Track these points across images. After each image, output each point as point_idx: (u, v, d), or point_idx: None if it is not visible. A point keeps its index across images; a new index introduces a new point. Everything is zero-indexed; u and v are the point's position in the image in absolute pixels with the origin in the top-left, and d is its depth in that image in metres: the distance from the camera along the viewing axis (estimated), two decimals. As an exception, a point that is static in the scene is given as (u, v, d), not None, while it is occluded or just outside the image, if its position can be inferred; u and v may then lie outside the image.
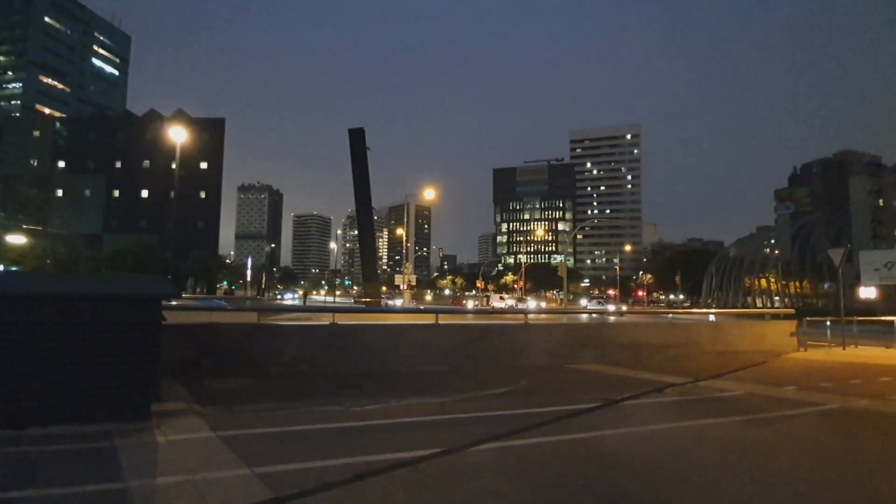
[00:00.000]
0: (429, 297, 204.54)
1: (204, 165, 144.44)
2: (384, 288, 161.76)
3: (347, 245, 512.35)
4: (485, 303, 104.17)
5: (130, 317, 11.84)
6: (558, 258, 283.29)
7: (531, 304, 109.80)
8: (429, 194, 72.09)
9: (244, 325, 18.87)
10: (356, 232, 73.67)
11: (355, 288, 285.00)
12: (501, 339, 21.40)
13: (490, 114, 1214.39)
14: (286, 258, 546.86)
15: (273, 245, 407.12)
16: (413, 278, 75.13)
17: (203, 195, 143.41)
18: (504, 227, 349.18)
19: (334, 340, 19.02)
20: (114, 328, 11.78)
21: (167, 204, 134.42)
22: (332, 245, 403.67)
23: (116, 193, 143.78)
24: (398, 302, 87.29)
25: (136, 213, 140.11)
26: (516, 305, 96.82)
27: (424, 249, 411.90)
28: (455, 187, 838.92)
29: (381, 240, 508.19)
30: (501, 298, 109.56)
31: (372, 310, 31.26)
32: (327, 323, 20.37)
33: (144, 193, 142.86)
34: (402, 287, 73.64)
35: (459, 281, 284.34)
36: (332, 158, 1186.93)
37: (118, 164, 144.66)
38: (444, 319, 21.98)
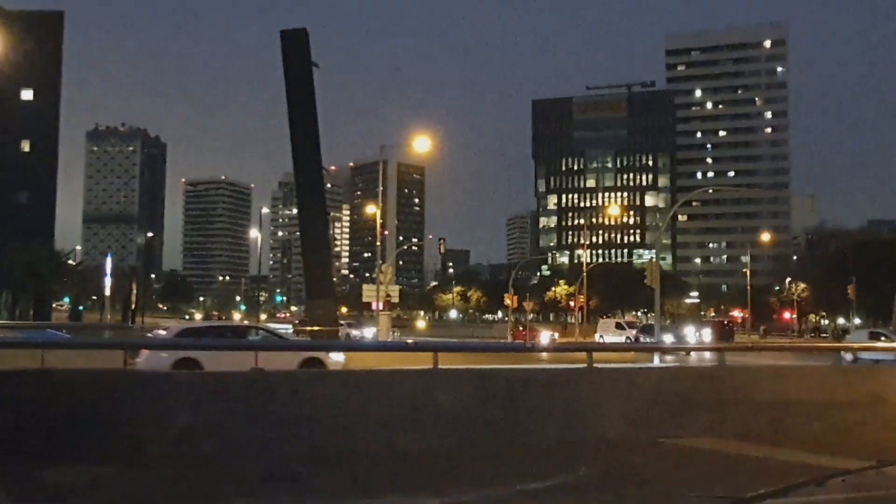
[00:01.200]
0: (421, 324, 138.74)
1: (27, 95, 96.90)
2: (343, 308, 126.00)
3: (281, 234, 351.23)
4: (528, 335, 73.36)
5: None
6: (644, 256, 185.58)
7: (668, 338, 63.19)
8: (420, 145, 51.71)
9: (103, 373, 12.56)
10: (295, 211, 56.38)
11: (293, 308, 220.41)
12: (547, 395, 13.56)
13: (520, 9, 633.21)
14: (173, 257, 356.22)
15: (150, 234, 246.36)
16: (395, 291, 57.21)
17: (26, 147, 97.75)
18: (551, 201, 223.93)
19: (259, 399, 11.74)
20: None
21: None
22: (254, 233, 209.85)
23: None
24: (368, 332, 63.25)
25: None
26: (638, 340, 67.26)
27: (415, 240, 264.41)
28: (468, 137, 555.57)
29: (339, 224, 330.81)
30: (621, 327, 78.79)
31: (324, 346, 24.07)
32: (247, 370, 13.66)
33: None
34: (375, 306, 53.34)
35: (475, 295, 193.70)
36: (254, 91, 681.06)
37: None
38: (447, 361, 13.67)
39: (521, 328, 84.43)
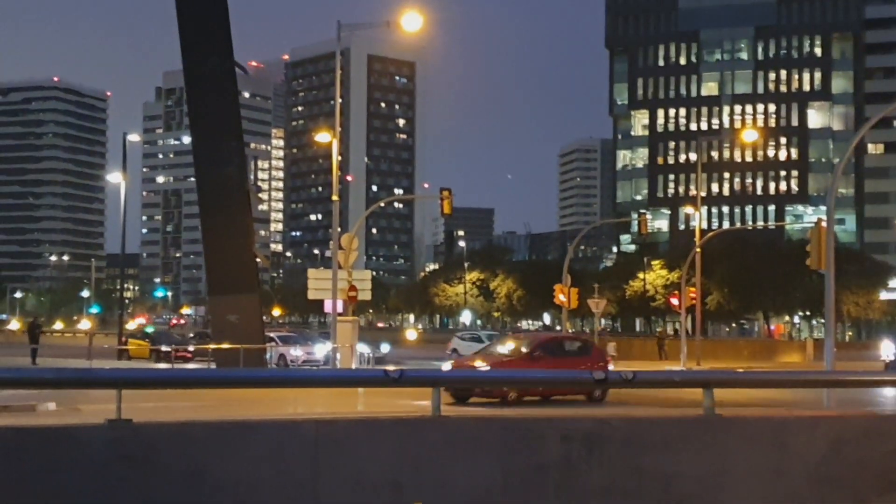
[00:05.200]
0: (412, 335, 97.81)
1: None
2: (275, 311, 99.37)
3: (161, 181, 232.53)
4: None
5: None
6: (807, 216, 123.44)
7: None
8: (409, 22, 32.28)
9: None
10: (187, 140, 37.56)
11: (185, 311, 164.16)
12: (629, 465, 8.56)
13: None
14: None
15: None
16: (365, 279, 38.06)
17: None
18: (639, 122, 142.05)
19: (125, 476, 7.27)
20: None
21: None
22: (114, 178, 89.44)
23: None
24: (319, 350, 43.82)
25: None
26: None
27: (399, 192, 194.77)
28: (492, 15, 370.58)
29: (265, 163, 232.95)
30: None
31: (240, 377, 11.21)
32: (102, 422, 7.58)
33: None
34: (330, 307, 35.67)
35: (504, 286, 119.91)
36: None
37: None
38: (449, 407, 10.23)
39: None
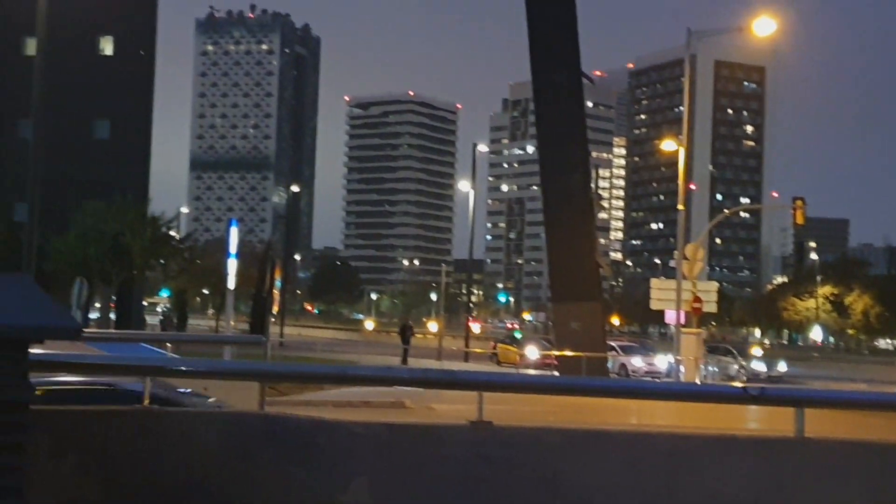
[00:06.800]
0: (757, 353, 62.66)
1: None
2: (615, 319, 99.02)
3: (505, 189, 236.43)
4: None
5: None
6: None
7: None
8: (761, 27, 32.19)
9: (232, 418, 8.01)
10: (531, 150, 38.65)
11: (526, 316, 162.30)
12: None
13: None
14: (328, 226, 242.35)
15: (295, 189, 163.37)
16: (710, 291, 36.52)
17: (108, 48, 64.40)
18: None
19: (484, 476, 7.40)
20: None
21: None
22: (463, 187, 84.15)
23: None
24: (661, 362, 42.81)
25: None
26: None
27: (745, 201, 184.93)
28: (851, 13, 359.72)
29: (607, 172, 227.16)
30: None
31: (601, 386, 11.17)
32: (464, 423, 7.55)
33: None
34: (672, 318, 35.00)
35: (860, 302, 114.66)
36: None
37: None
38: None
39: None
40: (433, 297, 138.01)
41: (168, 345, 23.76)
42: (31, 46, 41.41)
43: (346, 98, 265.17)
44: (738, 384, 10.04)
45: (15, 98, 48.70)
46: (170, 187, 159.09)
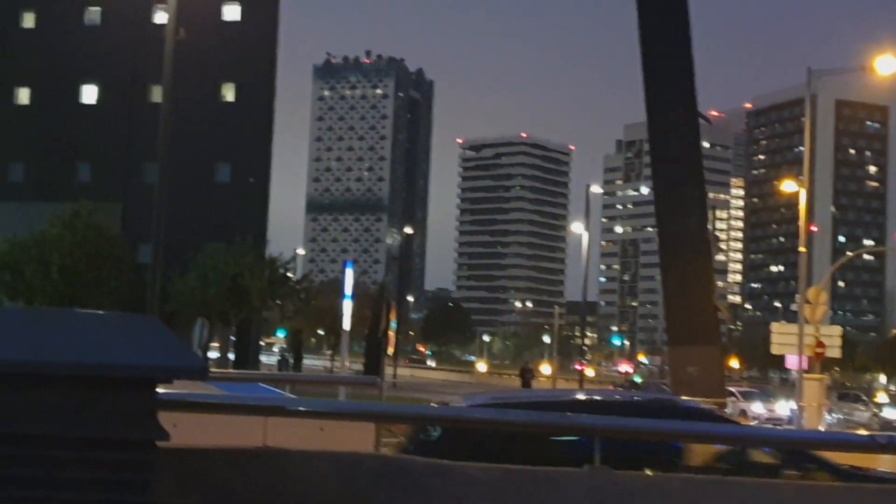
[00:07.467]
0: (882, 399, 66.49)
1: (232, 13, 64.35)
2: (734, 362, 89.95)
3: (619, 231, 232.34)
4: None
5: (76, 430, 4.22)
6: None
7: None
8: (884, 66, 30.56)
9: (349, 458, 6.73)
10: (645, 190, 37.31)
11: (642, 359, 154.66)
12: None
13: None
14: (441, 268, 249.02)
15: (409, 230, 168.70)
16: (834, 335, 34.11)
17: (229, 94, 65.65)
18: None
19: None
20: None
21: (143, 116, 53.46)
22: (577, 228, 78.15)
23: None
24: (782, 409, 41.81)
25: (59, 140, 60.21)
26: None
27: (868, 243, 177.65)
28: None
29: (725, 212, 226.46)
30: None
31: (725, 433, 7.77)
32: (582, 468, 6.42)
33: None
34: (793, 363, 33.45)
35: None
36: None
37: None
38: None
39: None
40: (546, 339, 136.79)
41: (286, 385, 24.03)
42: (156, 94, 44.22)
43: (459, 140, 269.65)
44: (865, 432, 9.46)
45: (141, 143, 51.65)
46: (286, 229, 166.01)
